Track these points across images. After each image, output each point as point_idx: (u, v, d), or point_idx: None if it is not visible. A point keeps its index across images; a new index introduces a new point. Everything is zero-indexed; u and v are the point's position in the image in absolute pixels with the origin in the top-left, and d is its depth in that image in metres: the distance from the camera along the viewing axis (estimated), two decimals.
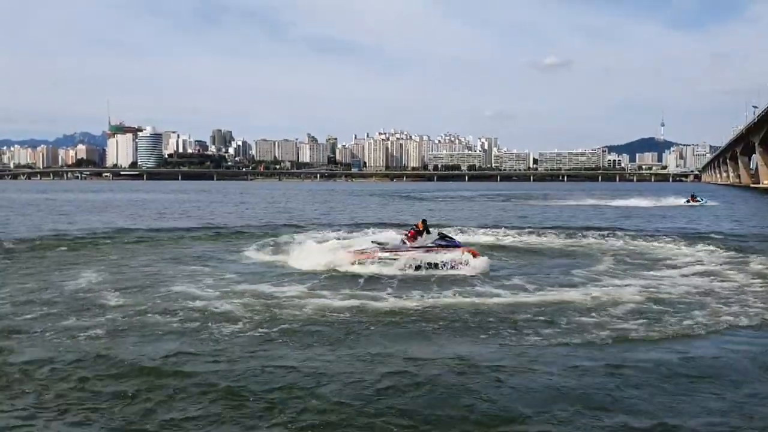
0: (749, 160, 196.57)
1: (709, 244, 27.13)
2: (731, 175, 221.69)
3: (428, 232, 22.28)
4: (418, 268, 20.39)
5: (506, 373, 9.88)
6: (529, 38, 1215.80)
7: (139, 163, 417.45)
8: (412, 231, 22.26)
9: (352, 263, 20.58)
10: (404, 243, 21.82)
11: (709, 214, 52.20)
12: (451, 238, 22.56)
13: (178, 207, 65.47)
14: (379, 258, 20.76)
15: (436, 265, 20.56)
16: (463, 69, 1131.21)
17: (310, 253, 21.65)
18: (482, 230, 34.18)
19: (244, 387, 9.31)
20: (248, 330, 12.48)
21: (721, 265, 21.68)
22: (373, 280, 18.40)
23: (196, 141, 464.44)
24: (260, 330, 12.47)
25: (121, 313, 13.98)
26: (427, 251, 21.18)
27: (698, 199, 68.10)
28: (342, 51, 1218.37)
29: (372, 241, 22.54)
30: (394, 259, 20.62)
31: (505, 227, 36.40)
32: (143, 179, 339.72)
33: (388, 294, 16.27)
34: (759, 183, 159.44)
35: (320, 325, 13.00)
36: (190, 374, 9.89)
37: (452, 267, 20.36)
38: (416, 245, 21.48)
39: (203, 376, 9.79)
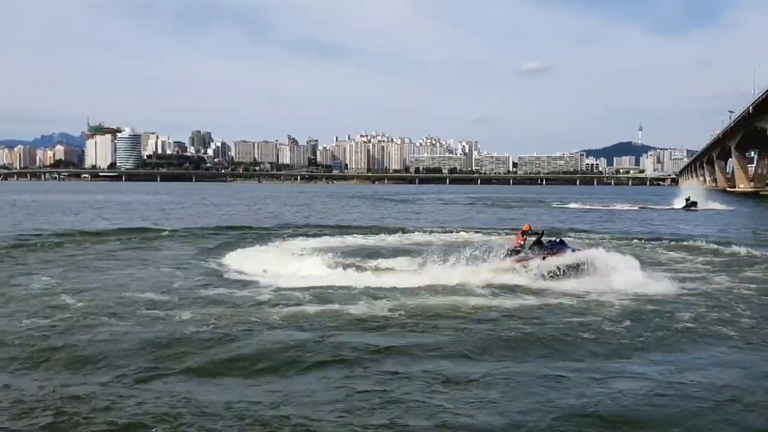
0: (725, 164, 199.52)
1: (699, 249, 26.82)
2: (708, 179, 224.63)
3: (539, 240, 20.03)
4: (557, 273, 18.39)
5: (484, 387, 9.44)
6: (512, 42, 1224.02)
7: (117, 165, 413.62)
8: (524, 237, 20.32)
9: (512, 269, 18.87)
10: (522, 248, 19.90)
11: (702, 219, 52.29)
12: (564, 243, 20.28)
13: (157, 208, 64.60)
14: (521, 266, 18.89)
15: (577, 269, 18.42)
16: (446, 72, 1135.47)
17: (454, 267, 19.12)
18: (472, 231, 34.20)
19: (200, 403, 8.76)
20: (212, 337, 11.82)
21: (712, 271, 21.01)
22: (350, 284, 17.67)
23: (175, 142, 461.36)
24: (224, 338, 11.79)
25: (76, 316, 13.40)
26: (561, 255, 18.90)
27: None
28: (324, 53, 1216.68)
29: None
30: (528, 266, 18.76)
31: (495, 228, 36.38)
32: (122, 180, 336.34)
33: (361, 298, 15.51)
34: (735, 187, 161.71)
35: (292, 330, 12.45)
36: (145, 386, 9.36)
37: (594, 271, 18.15)
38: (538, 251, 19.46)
39: (161, 388, 9.28)
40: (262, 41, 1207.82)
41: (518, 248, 20.02)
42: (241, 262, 21.82)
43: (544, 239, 20.23)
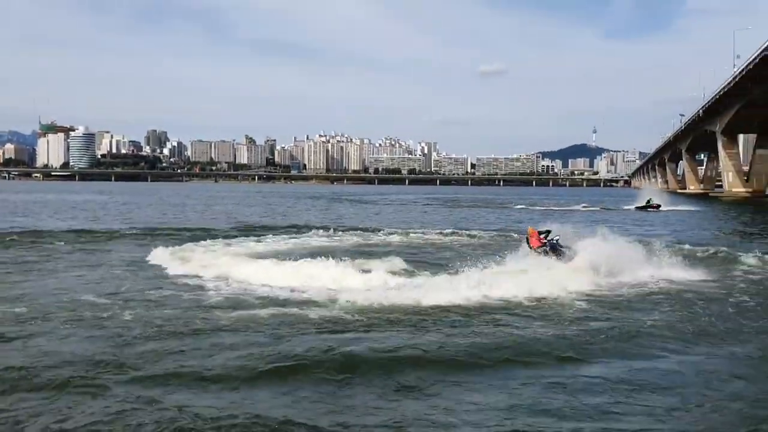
0: (676, 166, 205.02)
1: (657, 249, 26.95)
2: (659, 180, 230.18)
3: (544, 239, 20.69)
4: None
5: (439, 391, 9.22)
6: (470, 44, 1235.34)
7: (71, 164, 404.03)
8: (541, 236, 20.80)
9: None
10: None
11: (662, 219, 53.05)
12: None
13: (110, 208, 63.01)
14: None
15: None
16: (406, 73, 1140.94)
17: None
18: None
19: (148, 412, 8.30)
20: (160, 343, 11.32)
21: (672, 271, 20.36)
22: (306, 286, 17.19)
23: (130, 141, 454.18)
24: (172, 344, 11.30)
25: (15, 321, 12.77)
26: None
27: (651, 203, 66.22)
28: (284, 52, 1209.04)
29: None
30: None
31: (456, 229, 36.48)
32: (75, 180, 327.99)
33: (317, 301, 15.10)
34: (685, 188, 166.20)
35: (243, 334, 11.96)
36: (91, 397, 8.86)
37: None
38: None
39: (108, 398, 8.79)
40: (220, 40, 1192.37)
41: (540, 249, 20.44)
42: (193, 264, 21.05)
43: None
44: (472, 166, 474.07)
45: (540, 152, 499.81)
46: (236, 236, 31.32)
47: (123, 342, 11.45)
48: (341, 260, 20.58)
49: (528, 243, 20.98)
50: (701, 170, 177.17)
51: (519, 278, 17.10)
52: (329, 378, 9.71)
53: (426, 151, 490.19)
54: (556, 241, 20.61)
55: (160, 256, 23.03)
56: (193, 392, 9.08)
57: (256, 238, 30.25)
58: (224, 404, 8.60)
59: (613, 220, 50.49)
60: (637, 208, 66.13)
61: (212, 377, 9.68)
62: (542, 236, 20.78)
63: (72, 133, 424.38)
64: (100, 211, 57.08)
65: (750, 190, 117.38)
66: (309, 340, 11.65)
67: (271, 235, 31.82)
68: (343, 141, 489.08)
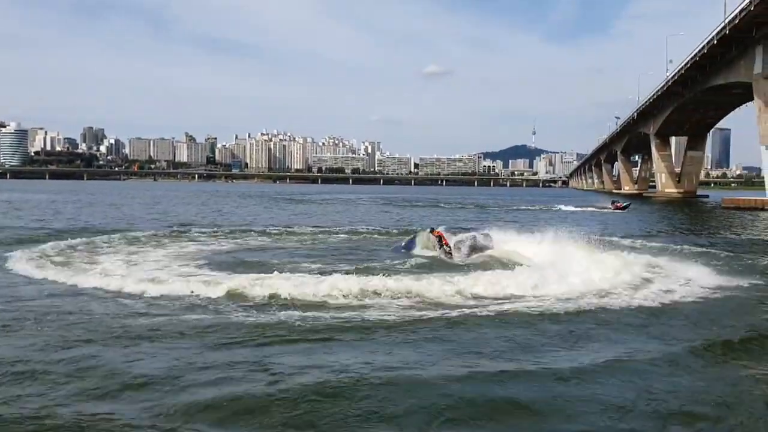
0: (612, 167, 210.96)
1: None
2: (596, 181, 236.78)
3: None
4: None
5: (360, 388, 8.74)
6: (414, 47, 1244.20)
7: (1, 161, 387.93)
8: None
9: None
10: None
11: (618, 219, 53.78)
12: None
13: (39, 209, 60.26)
14: None
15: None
16: (349, 73, 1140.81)
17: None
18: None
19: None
20: (70, 353, 10.39)
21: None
22: (244, 290, 16.34)
23: (65, 138, 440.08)
24: (83, 355, 10.40)
25: None
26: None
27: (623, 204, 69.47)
28: (225, 51, 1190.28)
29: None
30: None
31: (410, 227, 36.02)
32: (6, 178, 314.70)
33: (248, 310, 14.15)
34: (620, 189, 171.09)
35: (168, 342, 11.20)
36: None
37: None
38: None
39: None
40: (161, 37, 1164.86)
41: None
42: (114, 269, 18.82)
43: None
44: (416, 165, 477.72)
45: (482, 153, 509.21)
46: (168, 237, 29.91)
47: (23, 359, 10.27)
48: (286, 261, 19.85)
49: (441, 243, 21.70)
50: (636, 171, 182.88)
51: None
52: (260, 378, 9.17)
53: (370, 151, 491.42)
54: (474, 238, 22.09)
55: (76, 261, 21.20)
56: (111, 405, 8.40)
57: (188, 239, 28.96)
58: (146, 420, 8.02)
59: (608, 220, 51.23)
60: (616, 208, 68.19)
61: (129, 389, 8.98)
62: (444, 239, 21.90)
63: (3, 129, 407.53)
64: (23, 212, 54.47)
65: (681, 190, 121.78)
66: (241, 347, 11.08)
67: (208, 235, 30.71)
68: (285, 139, 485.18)
